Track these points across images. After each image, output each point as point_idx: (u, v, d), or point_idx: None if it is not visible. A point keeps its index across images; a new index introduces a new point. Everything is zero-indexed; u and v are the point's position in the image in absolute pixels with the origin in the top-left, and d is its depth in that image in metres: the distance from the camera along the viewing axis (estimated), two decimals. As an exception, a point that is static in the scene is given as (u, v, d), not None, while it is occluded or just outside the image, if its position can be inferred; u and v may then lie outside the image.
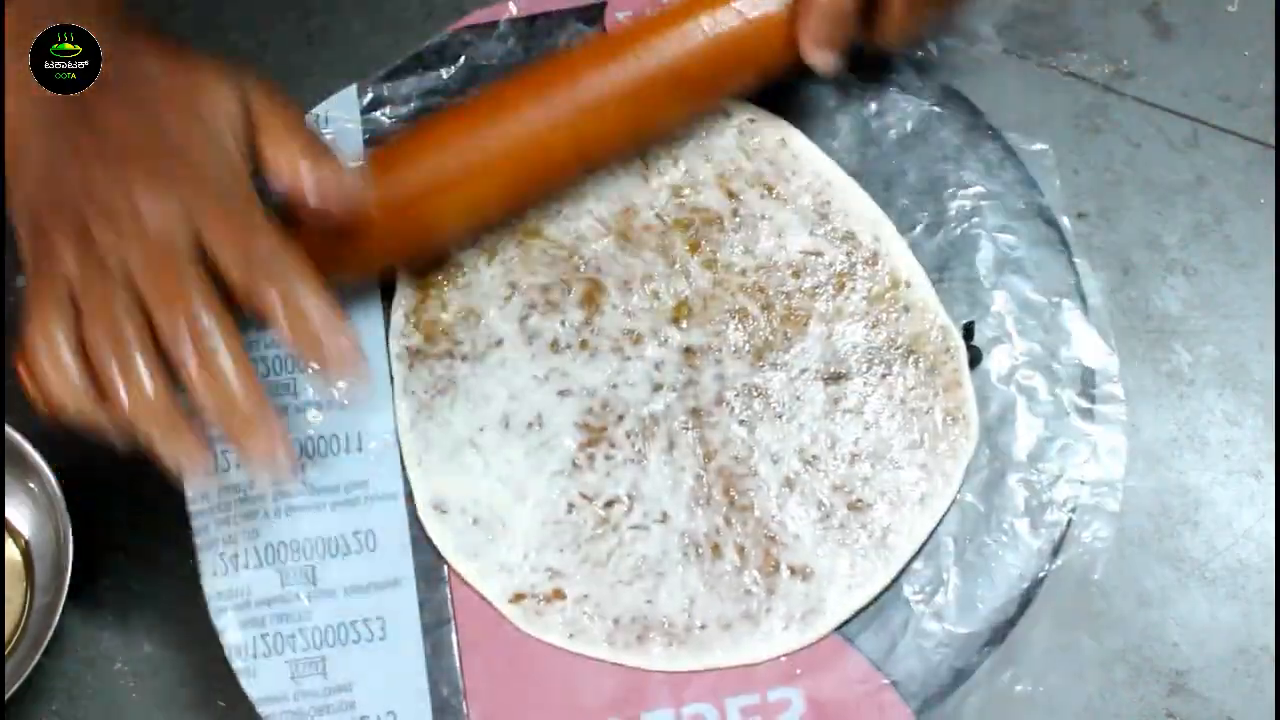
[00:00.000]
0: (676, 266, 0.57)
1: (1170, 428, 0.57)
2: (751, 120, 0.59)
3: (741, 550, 0.54)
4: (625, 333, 0.57)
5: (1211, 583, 0.56)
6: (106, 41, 0.50)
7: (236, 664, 0.53)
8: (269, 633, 0.53)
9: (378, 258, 0.56)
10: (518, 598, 0.54)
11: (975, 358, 0.56)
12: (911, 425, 0.55)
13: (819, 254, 0.57)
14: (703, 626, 0.53)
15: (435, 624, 0.54)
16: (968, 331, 0.56)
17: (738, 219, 0.58)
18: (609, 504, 0.55)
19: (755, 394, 0.56)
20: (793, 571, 0.54)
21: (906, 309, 0.56)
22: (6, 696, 0.53)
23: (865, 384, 0.56)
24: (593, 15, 0.61)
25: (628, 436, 0.55)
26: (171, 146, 0.48)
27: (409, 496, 0.55)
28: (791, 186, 0.58)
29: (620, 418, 0.56)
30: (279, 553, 0.54)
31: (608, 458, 0.55)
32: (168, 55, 0.50)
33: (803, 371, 0.56)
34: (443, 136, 0.55)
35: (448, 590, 0.54)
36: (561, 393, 0.56)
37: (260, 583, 0.54)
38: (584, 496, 0.55)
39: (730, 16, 0.54)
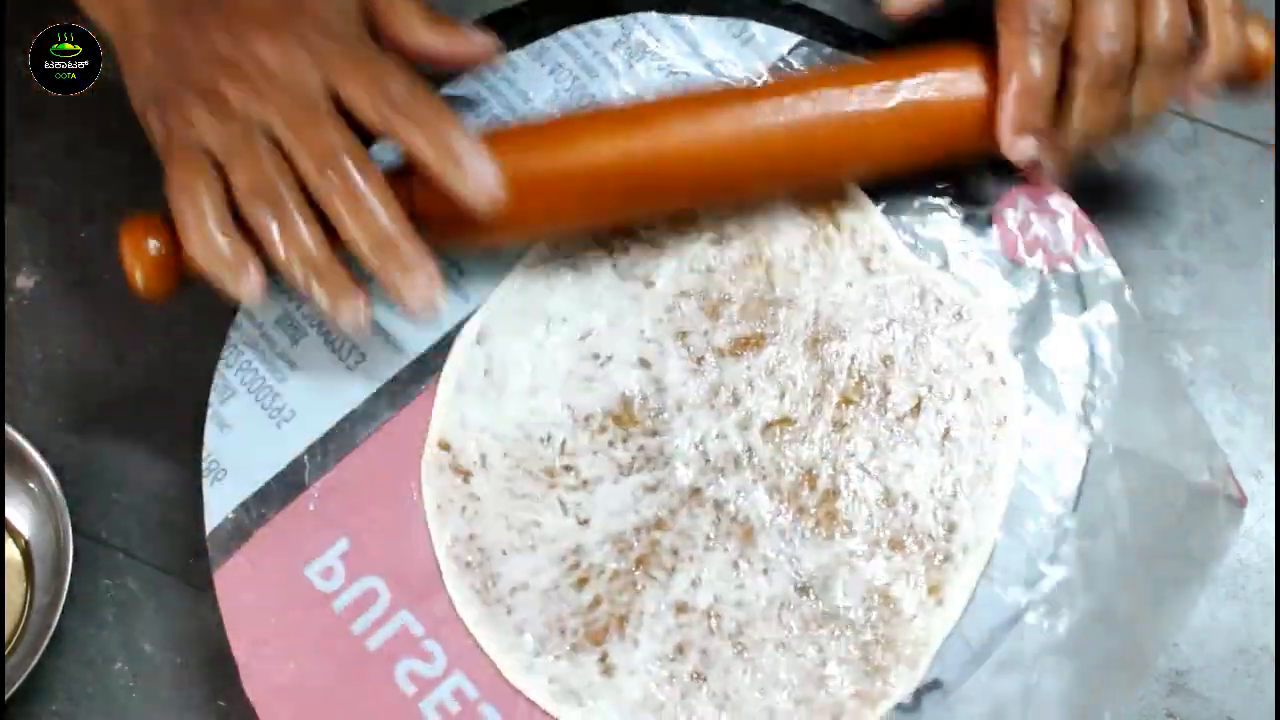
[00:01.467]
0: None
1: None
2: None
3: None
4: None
5: (1211, 583, 0.56)
6: None
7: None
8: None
9: (497, 228, 0.53)
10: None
11: None
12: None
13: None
14: None
15: None
16: None
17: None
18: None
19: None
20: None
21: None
22: (6, 696, 0.53)
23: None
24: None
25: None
26: (290, 3, 0.50)
27: None
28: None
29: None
30: None
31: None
32: None
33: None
34: (586, 128, 0.54)
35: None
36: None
37: None
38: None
39: (931, 87, 0.53)
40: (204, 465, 0.55)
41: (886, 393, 0.55)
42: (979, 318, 0.55)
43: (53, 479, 0.56)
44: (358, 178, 0.48)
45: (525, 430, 0.56)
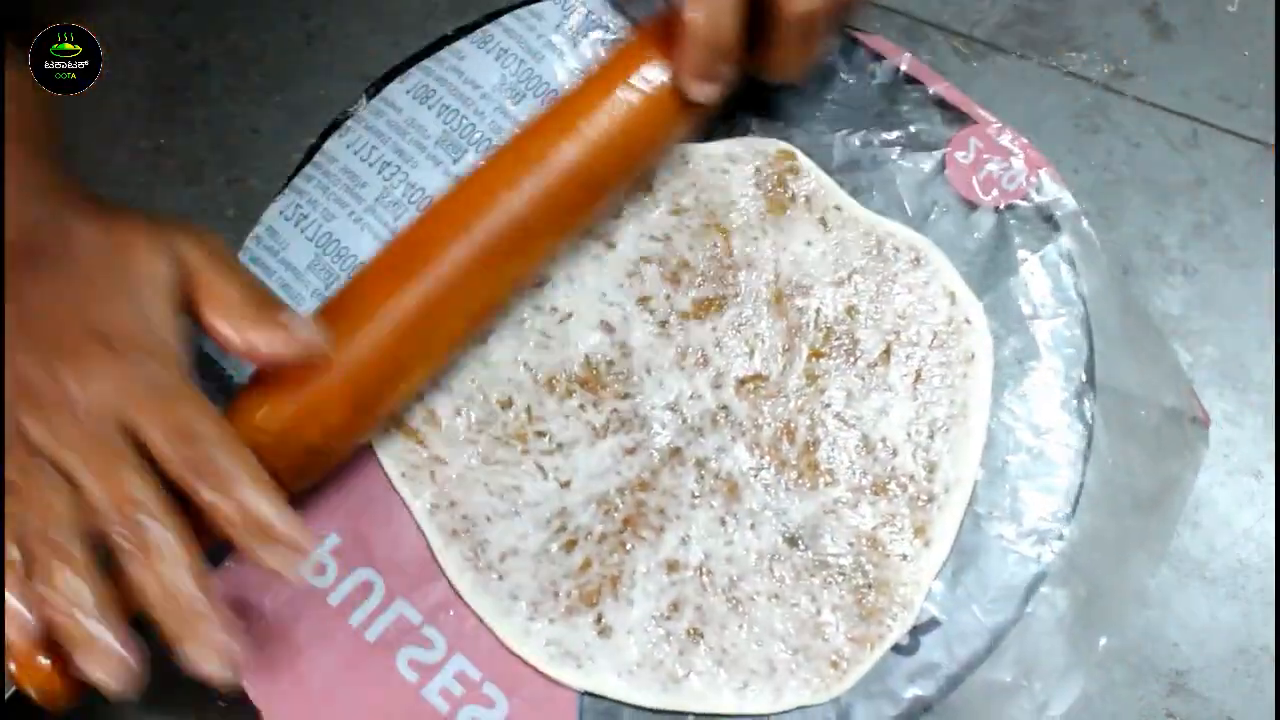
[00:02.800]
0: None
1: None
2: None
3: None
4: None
5: (1211, 583, 0.56)
6: (37, 212, 0.48)
7: None
8: None
9: (349, 428, 0.52)
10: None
11: None
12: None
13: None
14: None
15: None
16: None
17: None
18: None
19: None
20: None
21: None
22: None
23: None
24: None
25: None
26: (96, 325, 0.46)
27: None
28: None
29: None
30: None
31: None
32: (98, 221, 0.48)
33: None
34: (377, 288, 0.52)
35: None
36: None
37: None
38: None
39: (626, 101, 0.53)
40: None
41: (855, 342, 0.55)
42: (937, 262, 0.56)
43: (53, 479, 0.56)
44: (156, 534, 0.45)
45: (479, 385, 0.56)
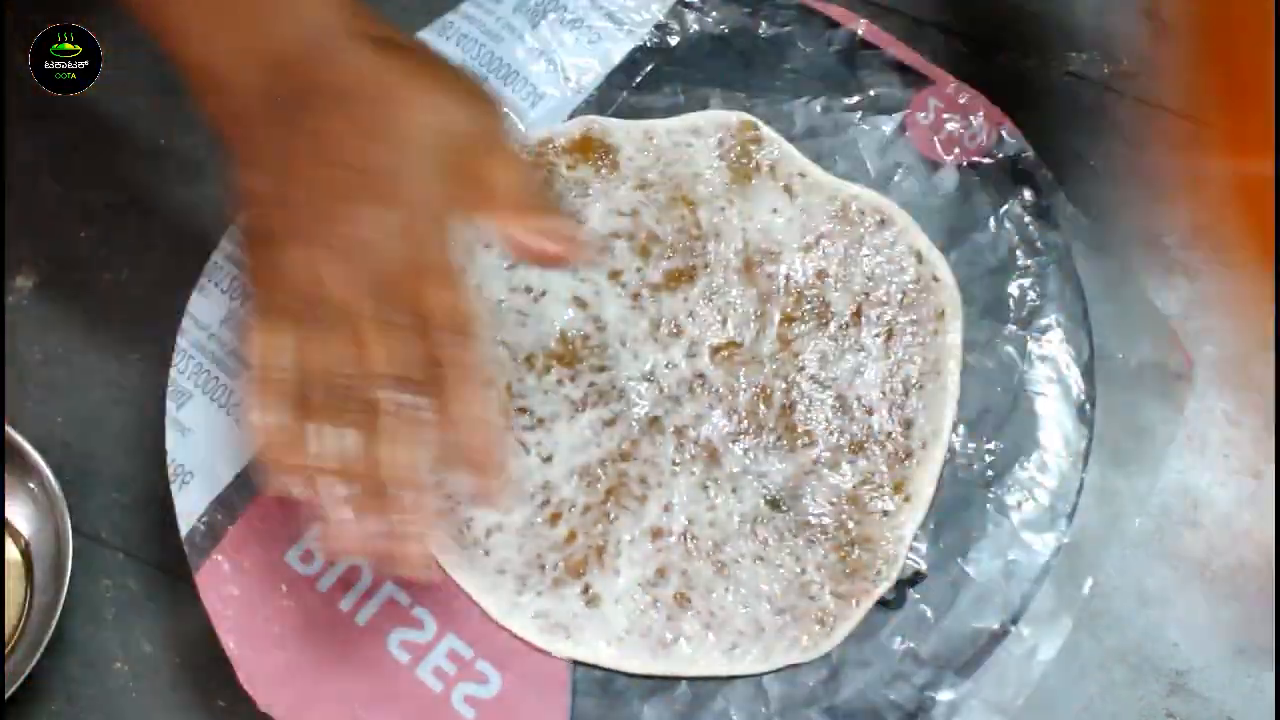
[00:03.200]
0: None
1: (1170, 428, 0.57)
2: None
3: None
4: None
5: (1211, 583, 0.56)
6: (368, 58, 0.46)
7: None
8: None
9: None
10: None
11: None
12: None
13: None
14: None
15: None
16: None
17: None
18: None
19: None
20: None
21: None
22: (6, 696, 0.53)
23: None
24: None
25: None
26: (378, 169, 0.45)
27: None
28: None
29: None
30: None
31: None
32: (385, 70, 0.47)
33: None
34: None
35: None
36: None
37: None
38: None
39: None
40: (169, 471, 0.55)
41: (826, 305, 0.56)
42: (903, 222, 0.57)
43: (53, 479, 0.56)
44: (416, 410, 0.45)
45: None
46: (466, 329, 0.45)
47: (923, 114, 0.58)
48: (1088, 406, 0.54)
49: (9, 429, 0.57)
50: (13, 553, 0.58)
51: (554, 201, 0.49)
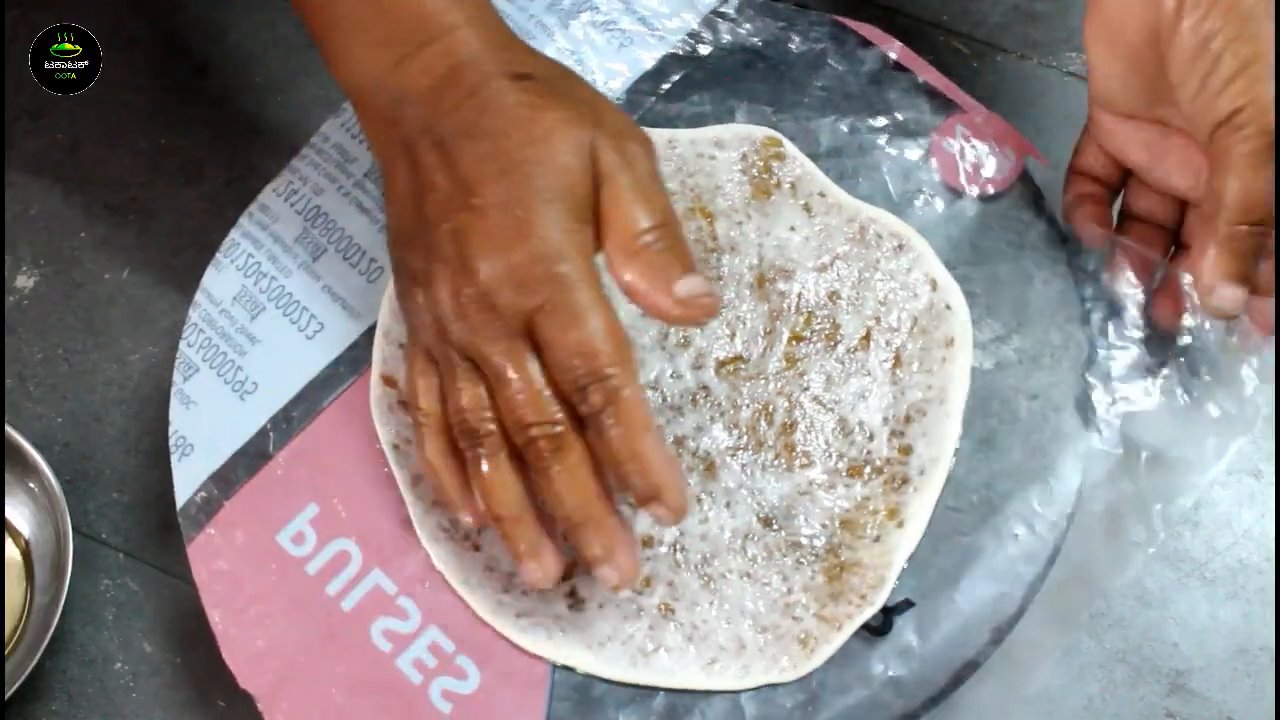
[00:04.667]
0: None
1: (1170, 428, 0.57)
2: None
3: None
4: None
5: (1211, 583, 0.56)
6: (510, 93, 0.47)
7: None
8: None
9: None
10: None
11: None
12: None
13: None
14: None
15: None
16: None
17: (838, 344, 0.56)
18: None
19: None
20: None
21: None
22: (6, 696, 0.53)
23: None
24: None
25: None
26: (511, 204, 0.45)
27: None
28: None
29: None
30: None
31: None
32: (528, 102, 0.47)
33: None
34: None
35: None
36: None
37: None
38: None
39: None
40: (170, 442, 0.55)
41: (836, 327, 0.55)
42: (920, 248, 0.56)
43: (53, 479, 0.56)
44: (569, 436, 0.46)
45: None
46: (598, 366, 0.45)
47: (949, 141, 0.57)
48: (1099, 435, 0.53)
49: (9, 429, 0.57)
50: (13, 553, 0.58)
51: (680, 251, 0.47)
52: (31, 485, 0.57)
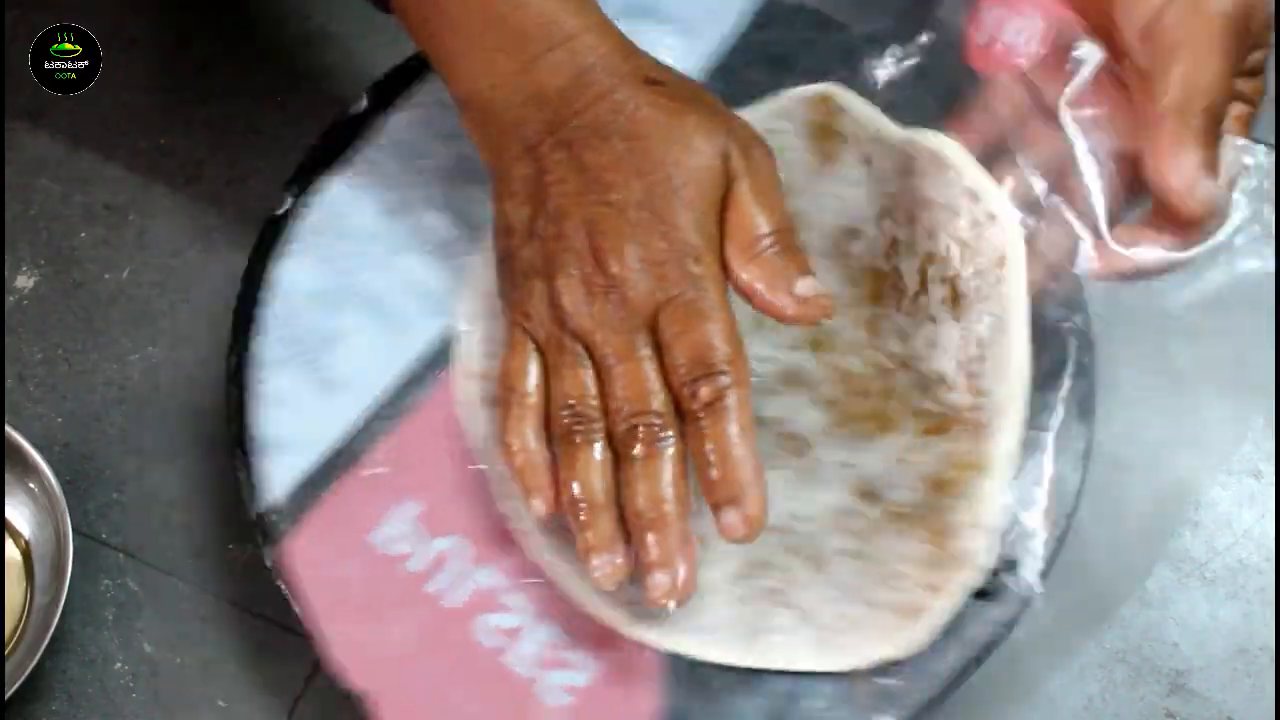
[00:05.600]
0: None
1: (1170, 428, 0.57)
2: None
3: None
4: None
5: (1211, 583, 0.56)
6: (634, 96, 0.48)
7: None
8: None
9: None
10: None
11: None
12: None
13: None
14: None
15: None
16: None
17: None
18: None
19: None
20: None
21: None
22: (6, 696, 0.53)
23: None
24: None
25: None
26: (645, 204, 0.47)
27: None
28: None
29: None
30: None
31: None
32: (660, 104, 0.48)
33: None
34: None
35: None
36: None
37: None
38: None
39: None
40: (255, 442, 0.53)
41: (900, 276, 0.54)
42: (957, 160, 0.52)
43: (53, 479, 0.56)
44: (665, 440, 0.47)
45: None
46: (714, 363, 0.46)
47: (980, 32, 0.53)
48: None
49: (9, 429, 0.57)
50: (13, 553, 0.58)
51: (798, 254, 0.48)
52: (31, 485, 0.57)
